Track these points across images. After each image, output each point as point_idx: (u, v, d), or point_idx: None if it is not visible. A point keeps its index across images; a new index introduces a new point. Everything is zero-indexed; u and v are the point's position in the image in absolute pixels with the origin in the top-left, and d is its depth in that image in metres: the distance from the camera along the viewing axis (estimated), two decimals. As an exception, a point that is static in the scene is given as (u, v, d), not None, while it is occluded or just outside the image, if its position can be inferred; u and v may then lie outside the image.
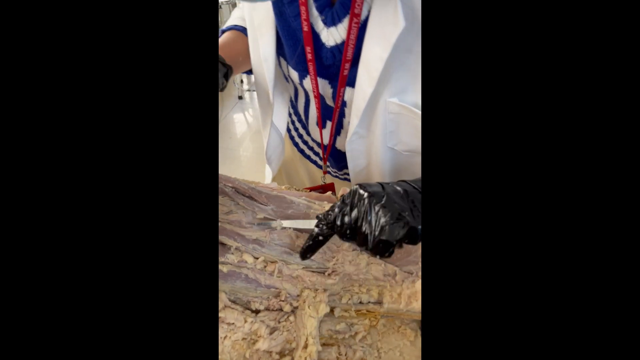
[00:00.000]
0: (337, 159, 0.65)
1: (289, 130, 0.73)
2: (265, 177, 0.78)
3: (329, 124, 0.58)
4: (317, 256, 0.48)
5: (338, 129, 0.59)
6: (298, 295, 0.48)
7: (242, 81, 2.81)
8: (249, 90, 2.89)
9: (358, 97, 0.47)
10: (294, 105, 0.66)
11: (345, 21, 0.44)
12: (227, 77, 0.58)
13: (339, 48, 0.47)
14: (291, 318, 0.47)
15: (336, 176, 0.70)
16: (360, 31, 0.43)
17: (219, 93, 0.52)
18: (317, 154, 0.70)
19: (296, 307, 0.47)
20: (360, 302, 0.48)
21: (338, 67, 0.48)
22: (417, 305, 0.45)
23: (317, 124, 0.60)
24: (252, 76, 0.64)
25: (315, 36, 0.48)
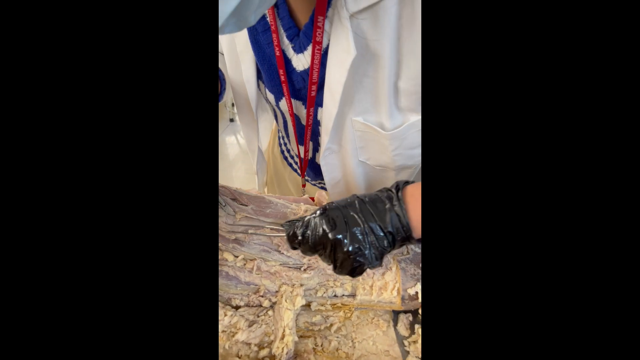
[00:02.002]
0: (316, 171, 0.69)
1: (279, 144, 0.79)
2: (257, 187, 0.83)
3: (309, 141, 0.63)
4: (293, 252, 0.51)
5: (315, 146, 0.63)
6: (276, 291, 0.50)
7: (233, 104, 2.88)
8: (240, 113, 2.94)
9: (325, 116, 0.52)
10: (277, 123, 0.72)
11: (310, 48, 0.49)
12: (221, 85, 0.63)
13: (307, 72, 0.52)
14: (270, 313, 0.49)
15: (314, 184, 0.74)
16: (323, 57, 0.48)
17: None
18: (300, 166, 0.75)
19: (275, 303, 0.50)
20: (335, 295, 0.50)
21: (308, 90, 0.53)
22: (387, 295, 0.48)
23: (296, 141, 0.65)
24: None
25: (287, 61, 0.53)
